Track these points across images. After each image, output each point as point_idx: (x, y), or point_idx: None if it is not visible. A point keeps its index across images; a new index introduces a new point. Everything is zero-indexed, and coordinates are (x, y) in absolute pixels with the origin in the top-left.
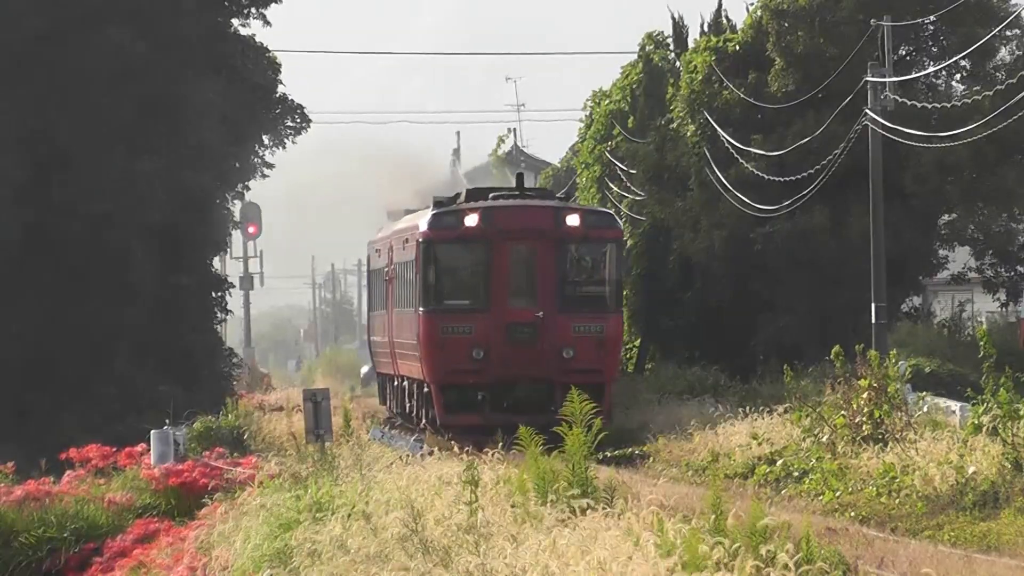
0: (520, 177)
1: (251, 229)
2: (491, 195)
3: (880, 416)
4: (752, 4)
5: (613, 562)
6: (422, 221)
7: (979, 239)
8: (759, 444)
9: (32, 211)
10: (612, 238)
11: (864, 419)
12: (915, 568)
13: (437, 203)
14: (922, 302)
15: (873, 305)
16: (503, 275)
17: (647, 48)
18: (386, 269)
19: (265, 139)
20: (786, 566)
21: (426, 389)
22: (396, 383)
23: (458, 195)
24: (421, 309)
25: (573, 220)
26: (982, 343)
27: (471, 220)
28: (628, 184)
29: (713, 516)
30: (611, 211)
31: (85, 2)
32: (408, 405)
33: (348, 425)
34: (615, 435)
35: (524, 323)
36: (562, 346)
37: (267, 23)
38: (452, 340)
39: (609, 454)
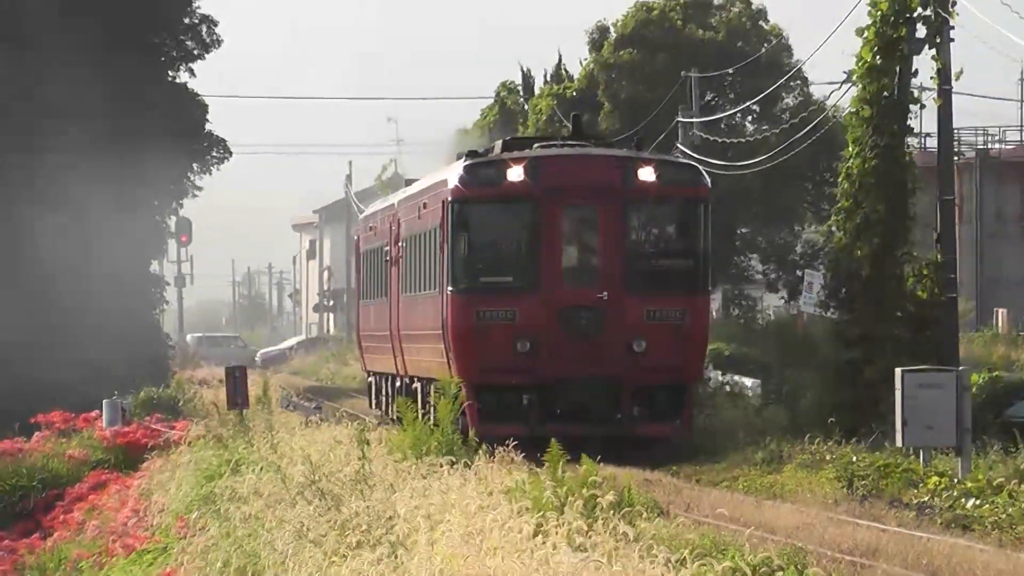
0: (577, 119)
1: (183, 238)
2: (535, 145)
3: None
4: (585, 59)
5: (467, 503)
6: (451, 175)
7: (766, 249)
8: None
9: (7, 224)
10: (699, 197)
11: None
12: (714, 509)
13: (470, 154)
14: (722, 300)
15: None
16: (556, 245)
17: (501, 94)
18: (388, 248)
19: (195, 166)
20: (606, 507)
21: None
22: (400, 384)
23: (490, 149)
24: (450, 289)
25: (647, 174)
26: (773, 332)
27: (515, 174)
28: None
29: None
30: (695, 163)
31: (46, 52)
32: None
33: (266, 394)
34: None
35: (583, 307)
36: (632, 336)
37: (193, 75)
38: (490, 328)
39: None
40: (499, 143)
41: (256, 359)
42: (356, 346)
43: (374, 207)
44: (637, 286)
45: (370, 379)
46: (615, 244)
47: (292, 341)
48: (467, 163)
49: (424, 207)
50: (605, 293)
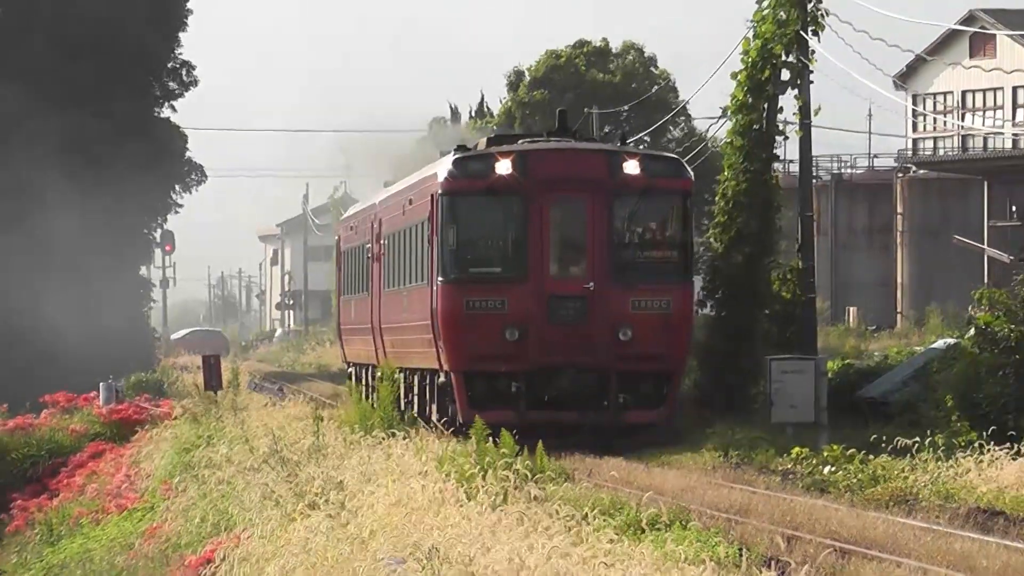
0: (563, 114)
1: (167, 248)
2: (520, 141)
3: None
4: (504, 98)
5: (404, 470)
6: (440, 170)
7: None
8: None
9: (17, 241)
10: (681, 189)
11: None
12: (610, 473)
13: (459, 149)
14: None
15: None
16: (544, 236)
17: (433, 128)
18: (369, 245)
19: (176, 187)
20: (519, 471)
21: (442, 379)
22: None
23: (476, 145)
24: (440, 279)
25: (632, 167)
26: None
27: (503, 167)
28: None
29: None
30: (677, 156)
31: (53, 92)
32: (404, 400)
33: (237, 378)
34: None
35: (570, 296)
36: (618, 325)
37: (175, 111)
38: (480, 317)
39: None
40: (484, 139)
41: None
42: (337, 338)
43: (354, 209)
44: (623, 276)
45: (350, 369)
46: (601, 235)
47: (182, 332)
48: (456, 157)
49: (410, 203)
50: (592, 283)
